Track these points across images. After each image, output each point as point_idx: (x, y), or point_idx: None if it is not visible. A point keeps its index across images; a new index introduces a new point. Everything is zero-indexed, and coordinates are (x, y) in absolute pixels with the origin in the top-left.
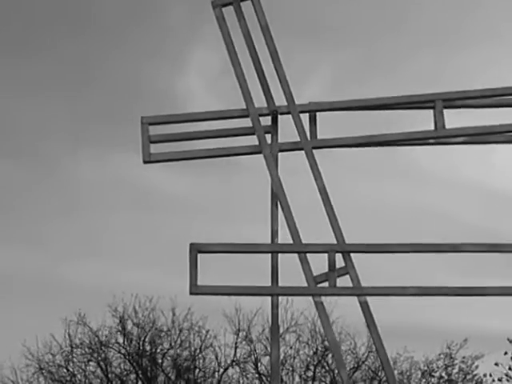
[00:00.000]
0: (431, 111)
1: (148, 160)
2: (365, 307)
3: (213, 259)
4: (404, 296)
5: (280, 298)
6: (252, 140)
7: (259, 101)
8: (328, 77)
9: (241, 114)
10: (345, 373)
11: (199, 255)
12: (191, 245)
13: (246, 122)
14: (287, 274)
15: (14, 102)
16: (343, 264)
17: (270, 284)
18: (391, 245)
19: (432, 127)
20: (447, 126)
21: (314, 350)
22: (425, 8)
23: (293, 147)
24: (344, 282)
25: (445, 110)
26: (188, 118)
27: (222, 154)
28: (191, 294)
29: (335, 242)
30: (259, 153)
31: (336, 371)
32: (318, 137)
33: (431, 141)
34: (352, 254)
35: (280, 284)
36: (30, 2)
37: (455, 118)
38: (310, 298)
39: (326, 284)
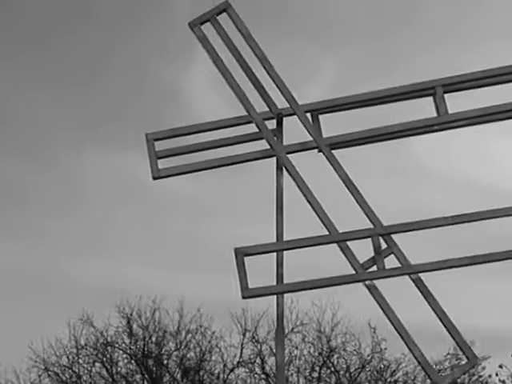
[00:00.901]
0: (430, 100)
1: (157, 176)
2: (418, 282)
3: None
4: (457, 267)
5: (285, 298)
6: (256, 144)
7: (259, 107)
8: (333, 76)
9: (245, 121)
10: (417, 351)
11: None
12: (236, 249)
13: (250, 128)
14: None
15: (18, 99)
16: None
17: (274, 283)
18: (434, 219)
19: (434, 114)
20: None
21: (320, 350)
22: (430, 5)
23: (301, 148)
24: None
25: (445, 96)
26: (192, 130)
27: (232, 162)
28: (244, 298)
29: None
30: (270, 157)
31: (341, 372)
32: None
33: (436, 127)
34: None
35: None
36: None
37: (453, 103)
38: (314, 297)
39: (374, 268)
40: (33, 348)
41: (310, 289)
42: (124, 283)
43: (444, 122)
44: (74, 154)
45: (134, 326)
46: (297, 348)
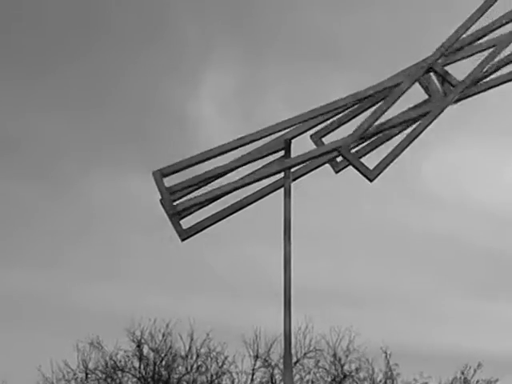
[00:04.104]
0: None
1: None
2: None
3: None
4: None
5: (299, 323)
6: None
7: None
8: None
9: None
10: None
11: None
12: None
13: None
14: None
15: (28, 124)
16: None
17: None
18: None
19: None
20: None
21: (333, 376)
22: (437, 33)
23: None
24: None
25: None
26: (199, 160)
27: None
28: (372, 180)
29: None
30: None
31: None
32: None
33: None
34: None
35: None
36: (43, 20)
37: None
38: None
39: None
40: (41, 371)
41: (424, 129)
42: (135, 307)
43: (441, 101)
44: (84, 179)
45: (145, 350)
46: (309, 373)
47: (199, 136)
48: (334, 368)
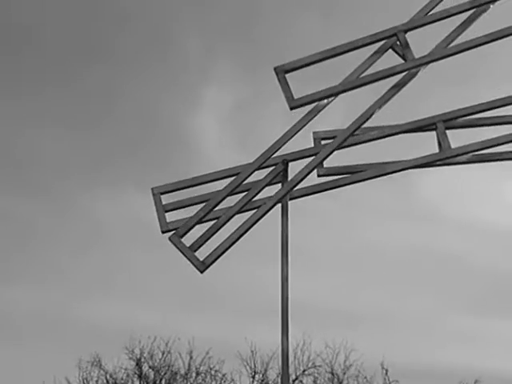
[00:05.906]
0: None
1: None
2: None
3: None
4: None
5: (297, 339)
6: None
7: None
8: (341, 112)
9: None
10: None
11: None
12: (276, 68)
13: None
14: None
15: (31, 141)
16: None
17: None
18: None
19: (435, 150)
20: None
21: None
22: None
23: (310, 191)
24: None
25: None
26: (197, 182)
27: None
28: (292, 108)
29: None
30: (278, 202)
31: None
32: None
33: (438, 163)
34: None
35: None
36: (44, 38)
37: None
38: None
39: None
40: None
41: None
42: (134, 325)
43: (448, 157)
44: (85, 196)
45: (145, 368)
46: None
47: (199, 152)
48: None
